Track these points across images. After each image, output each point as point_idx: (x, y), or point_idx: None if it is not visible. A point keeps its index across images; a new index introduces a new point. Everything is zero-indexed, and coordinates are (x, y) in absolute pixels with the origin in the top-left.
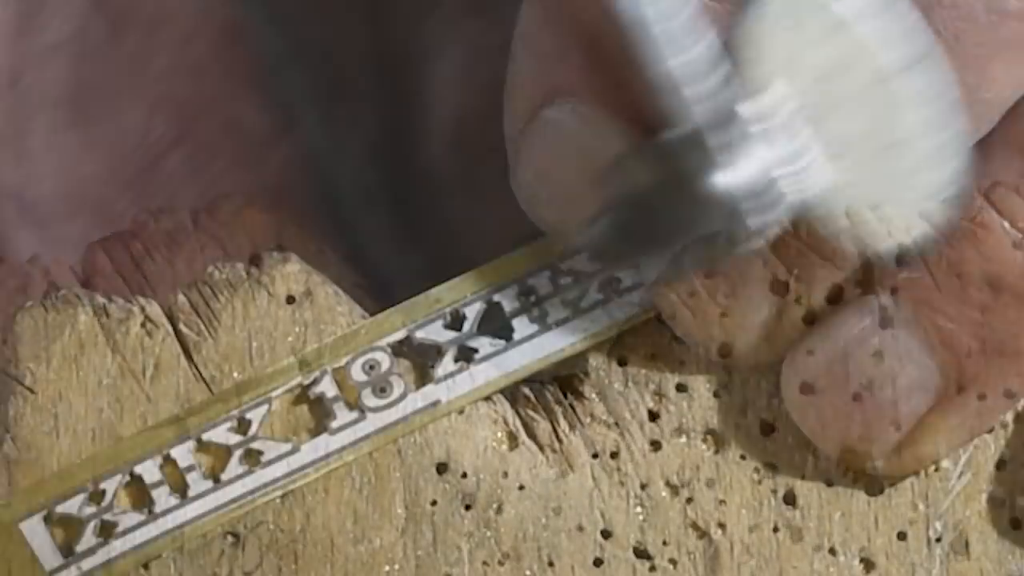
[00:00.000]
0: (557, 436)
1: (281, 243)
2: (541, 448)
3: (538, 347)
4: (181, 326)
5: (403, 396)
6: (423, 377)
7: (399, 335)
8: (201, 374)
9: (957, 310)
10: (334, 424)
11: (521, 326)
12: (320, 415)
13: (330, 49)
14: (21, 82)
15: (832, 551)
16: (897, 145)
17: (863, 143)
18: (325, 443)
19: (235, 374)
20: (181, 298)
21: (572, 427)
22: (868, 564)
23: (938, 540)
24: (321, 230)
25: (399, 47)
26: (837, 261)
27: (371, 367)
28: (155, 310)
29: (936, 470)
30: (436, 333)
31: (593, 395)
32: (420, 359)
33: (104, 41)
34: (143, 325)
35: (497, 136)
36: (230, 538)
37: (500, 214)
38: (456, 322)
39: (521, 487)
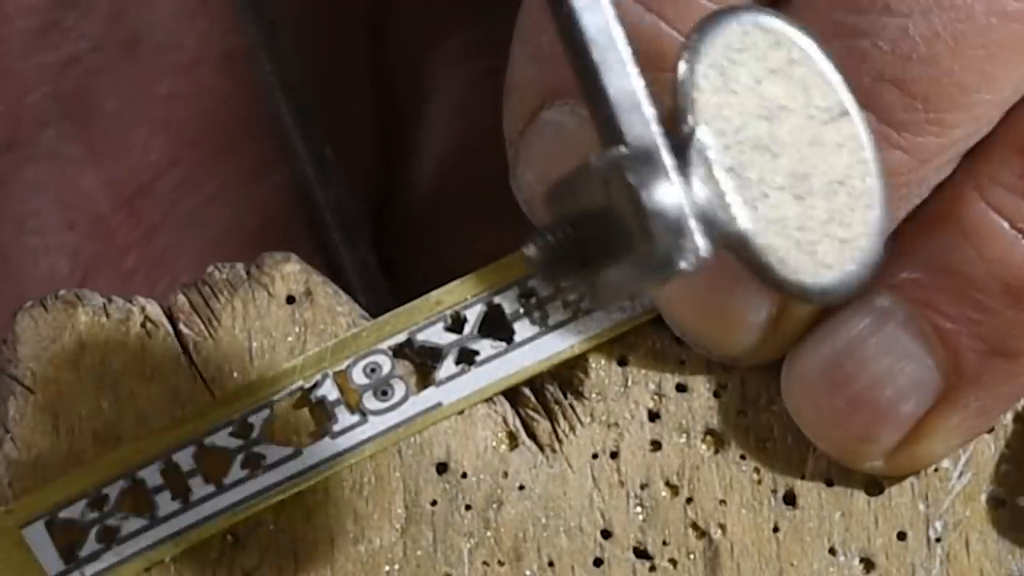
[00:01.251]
0: (557, 436)
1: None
2: (541, 448)
3: (539, 349)
4: (181, 326)
5: (404, 399)
6: (424, 380)
7: (400, 338)
8: (201, 374)
9: (957, 310)
10: (335, 427)
11: (522, 328)
12: (321, 418)
13: (329, 81)
14: (36, 92)
15: (832, 551)
16: (829, 186)
17: (794, 183)
18: (327, 447)
19: (235, 374)
20: (181, 298)
21: (572, 427)
22: (868, 564)
23: (938, 540)
24: (305, 258)
25: (398, 85)
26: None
27: (372, 370)
28: (155, 310)
29: (936, 470)
30: (437, 336)
31: (593, 395)
32: (421, 362)
33: (116, 60)
34: (143, 325)
35: (488, 177)
36: (230, 538)
37: (485, 253)
38: (457, 324)
39: (521, 487)
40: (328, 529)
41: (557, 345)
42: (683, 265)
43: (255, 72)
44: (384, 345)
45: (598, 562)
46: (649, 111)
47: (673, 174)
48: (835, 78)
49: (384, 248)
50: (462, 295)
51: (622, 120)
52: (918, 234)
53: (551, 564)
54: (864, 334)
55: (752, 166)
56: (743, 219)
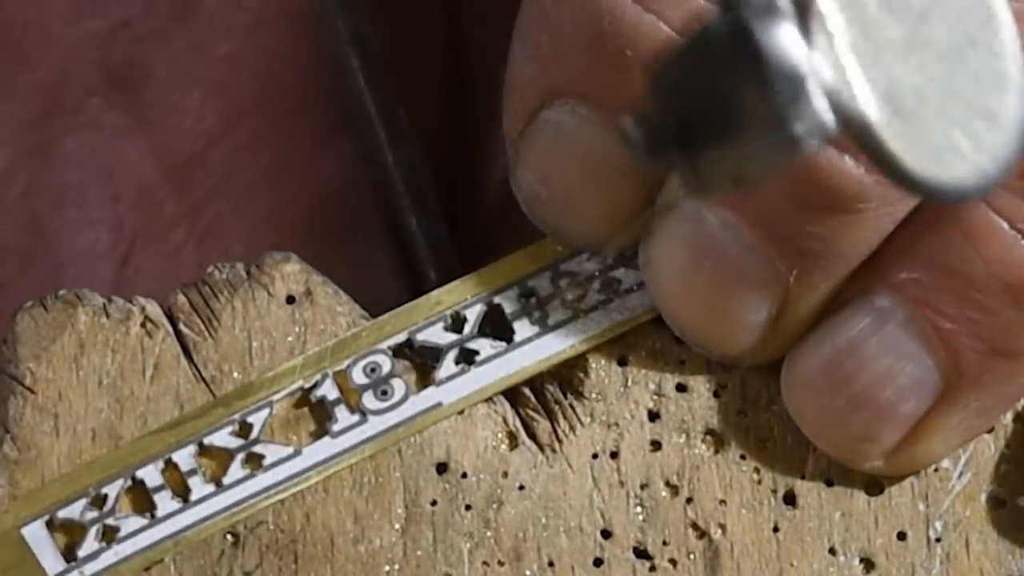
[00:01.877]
0: (557, 436)
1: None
2: (541, 448)
3: (539, 349)
4: (181, 326)
5: (404, 399)
6: (424, 379)
7: (400, 337)
8: (201, 374)
9: (957, 310)
10: (335, 427)
11: (522, 328)
12: (321, 418)
13: (400, 41)
14: (81, 60)
15: (832, 551)
16: (975, 60)
17: (936, 52)
18: (327, 446)
19: (235, 374)
20: (181, 298)
21: (572, 427)
22: (868, 564)
23: (938, 540)
24: (367, 232)
25: (470, 53)
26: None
27: (372, 370)
28: (155, 310)
29: (936, 470)
30: (437, 335)
31: (593, 395)
32: (421, 361)
33: (169, 23)
34: (143, 325)
35: None
36: (230, 538)
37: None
38: (457, 324)
39: (521, 487)
40: (328, 529)
41: (557, 345)
42: (801, 135)
43: (323, 32)
44: (384, 345)
45: (598, 562)
46: None
47: (795, 24)
48: None
49: (455, 222)
50: (462, 295)
51: None
52: (918, 234)
53: (551, 564)
54: (864, 334)
55: (879, 42)
56: (866, 99)
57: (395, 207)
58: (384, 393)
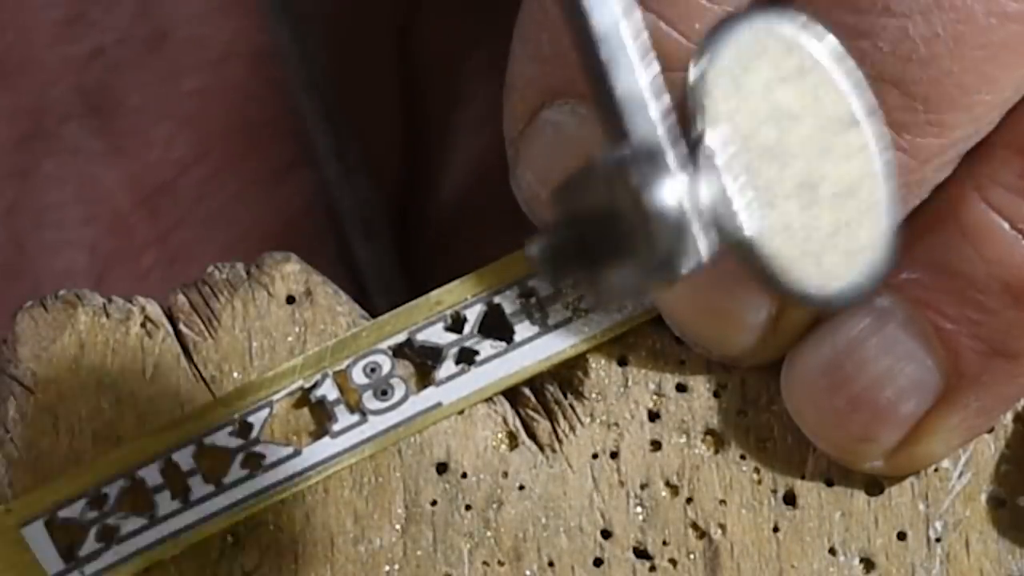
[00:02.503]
0: (557, 436)
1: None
2: (541, 448)
3: (539, 349)
4: (181, 326)
5: (404, 399)
6: (424, 379)
7: (400, 337)
8: (201, 374)
9: (957, 310)
10: (335, 427)
11: (522, 328)
12: (321, 418)
13: (355, 80)
14: (59, 84)
15: (832, 551)
16: (837, 196)
17: (802, 191)
18: (326, 446)
19: (235, 374)
20: (181, 298)
21: (572, 427)
22: (868, 564)
23: (938, 540)
24: (324, 260)
25: (424, 90)
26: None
27: (372, 370)
28: (155, 310)
29: (936, 470)
30: (437, 335)
31: (593, 395)
32: (421, 361)
33: (142, 55)
34: (143, 325)
35: (512, 189)
36: (230, 538)
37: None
38: (457, 324)
39: (521, 487)
40: (328, 529)
41: (557, 345)
42: (684, 268)
43: (282, 70)
44: (384, 345)
45: (598, 562)
46: (656, 112)
47: (677, 175)
48: (847, 87)
49: (404, 251)
50: (462, 295)
51: (628, 119)
52: (918, 234)
53: (551, 564)
54: (864, 334)
55: (761, 173)
56: (749, 225)
57: (347, 237)
58: (384, 393)
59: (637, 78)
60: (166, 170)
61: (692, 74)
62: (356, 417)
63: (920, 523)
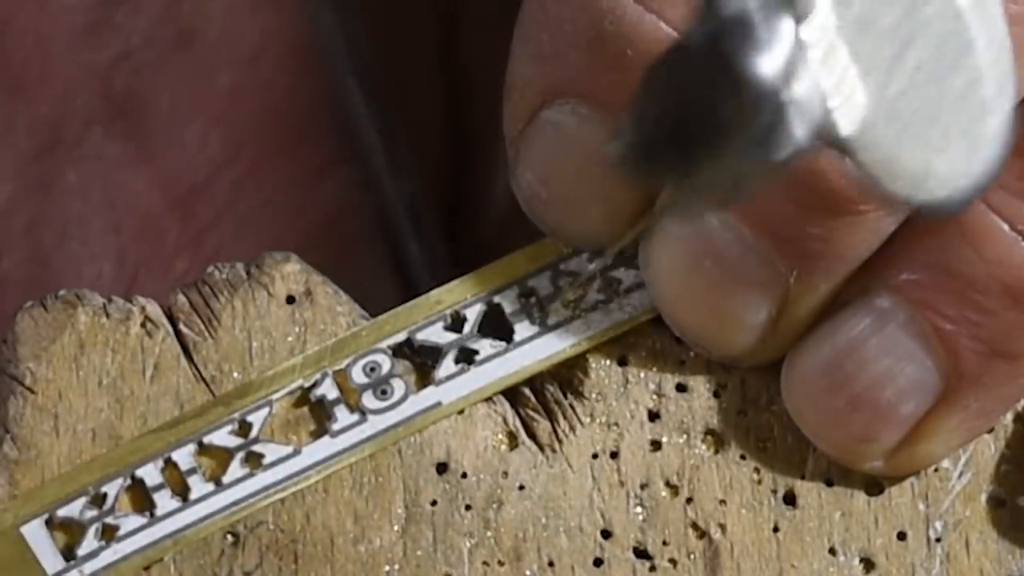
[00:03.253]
0: (557, 436)
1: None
2: (541, 448)
3: (539, 348)
4: (181, 326)
5: (404, 398)
6: (424, 379)
7: (400, 337)
8: (201, 374)
9: (957, 311)
10: (335, 426)
11: (522, 327)
12: (321, 417)
13: (402, 72)
14: (83, 93)
15: (832, 551)
16: (955, 85)
17: (918, 76)
18: (326, 446)
19: (235, 374)
20: (181, 298)
21: (572, 427)
22: (868, 564)
23: (938, 540)
24: (368, 260)
25: (470, 82)
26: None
27: (372, 369)
28: (155, 310)
29: (936, 470)
30: (437, 335)
31: (593, 395)
32: (421, 361)
33: (170, 55)
34: (143, 325)
35: None
36: (230, 538)
37: None
38: (457, 324)
39: (521, 487)
40: (328, 529)
41: (557, 345)
42: (783, 150)
43: (323, 63)
44: (384, 344)
45: (598, 562)
46: None
47: (775, 45)
48: None
49: (455, 246)
50: (462, 294)
51: None
52: (918, 235)
53: (551, 564)
54: (864, 335)
55: (864, 64)
56: (846, 118)
57: (396, 235)
58: (384, 392)
59: None
60: (199, 171)
61: None
62: (356, 416)
63: (920, 523)
